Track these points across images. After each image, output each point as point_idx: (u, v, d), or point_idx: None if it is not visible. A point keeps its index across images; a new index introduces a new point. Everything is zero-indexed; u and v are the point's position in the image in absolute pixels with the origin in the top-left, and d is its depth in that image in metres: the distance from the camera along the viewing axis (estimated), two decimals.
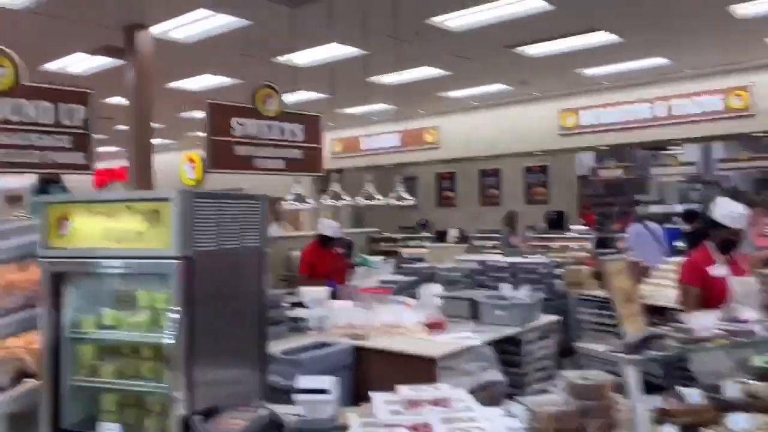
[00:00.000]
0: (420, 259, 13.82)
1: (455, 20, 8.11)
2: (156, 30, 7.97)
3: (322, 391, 2.96)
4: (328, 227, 6.75)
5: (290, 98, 10.21)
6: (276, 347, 3.85)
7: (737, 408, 2.86)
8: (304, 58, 9.75)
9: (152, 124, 9.02)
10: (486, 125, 13.95)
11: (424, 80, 11.04)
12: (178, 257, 2.55)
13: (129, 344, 2.87)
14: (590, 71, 11.02)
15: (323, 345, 4.69)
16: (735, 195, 16.61)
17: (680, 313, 4.09)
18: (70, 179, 16.69)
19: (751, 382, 3.19)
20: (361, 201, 6.77)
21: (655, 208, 12.88)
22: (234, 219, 2.84)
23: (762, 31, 8.97)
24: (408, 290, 6.69)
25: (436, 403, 2.74)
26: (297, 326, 5.10)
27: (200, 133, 16.83)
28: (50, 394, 2.77)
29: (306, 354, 4.41)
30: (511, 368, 5.06)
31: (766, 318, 3.60)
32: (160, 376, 2.76)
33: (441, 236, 15.42)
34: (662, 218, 12.61)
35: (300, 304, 5.47)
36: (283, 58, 9.78)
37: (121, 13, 7.44)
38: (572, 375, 2.72)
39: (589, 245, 12.80)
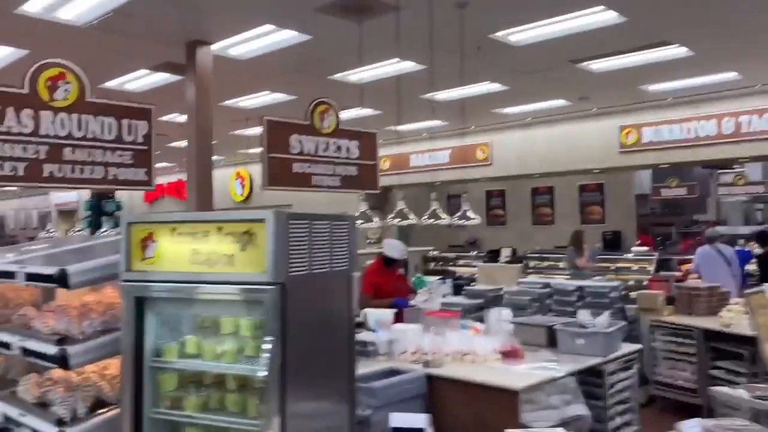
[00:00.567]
0: (472, 279, 13.57)
1: (518, 35, 7.87)
2: (215, 47, 7.93)
3: (415, 431, 2.74)
4: (395, 248, 6.52)
5: (343, 115, 10.10)
6: None
7: None
8: (361, 75, 9.62)
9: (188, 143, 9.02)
10: (541, 142, 13.62)
11: (480, 96, 10.80)
12: (273, 283, 2.36)
13: (214, 375, 2.69)
14: (655, 87, 10.64)
15: (394, 372, 4.47)
16: None
17: None
18: (120, 194, 16.91)
19: None
20: (426, 220, 6.54)
21: (719, 230, 12.31)
22: (324, 241, 2.64)
23: None
24: (473, 313, 6.41)
25: None
26: (365, 351, 4.86)
27: (250, 150, 16.95)
28: (131, 427, 2.59)
29: (378, 383, 4.18)
30: (592, 401, 4.76)
31: None
32: (247, 409, 2.56)
33: (493, 255, 15.06)
34: (727, 240, 12.05)
35: (361, 325, 5.26)
36: (338, 75, 9.67)
37: (185, 29, 7.40)
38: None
39: (649, 267, 12.34)
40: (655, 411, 7.24)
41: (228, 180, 19.90)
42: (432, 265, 15.67)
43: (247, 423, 2.48)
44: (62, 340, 2.76)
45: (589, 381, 4.84)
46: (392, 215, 6.77)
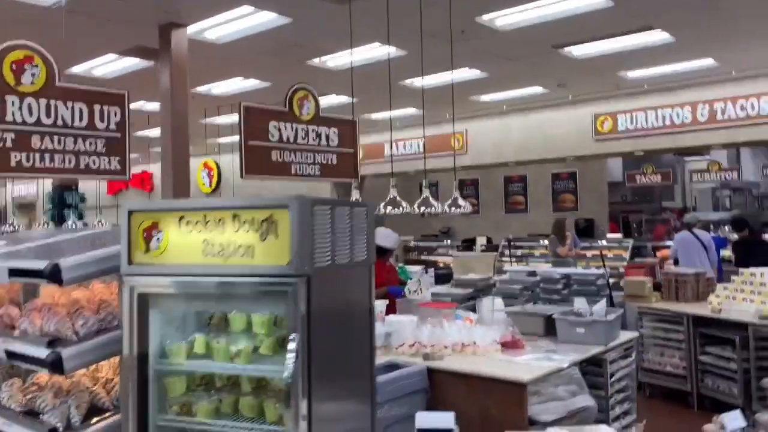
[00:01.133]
0: (448, 268, 13.46)
1: (504, 18, 7.72)
2: (191, 30, 7.58)
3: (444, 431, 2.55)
4: (388, 237, 6.31)
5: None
6: None
7: None
8: (339, 60, 9.37)
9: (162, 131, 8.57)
10: (516, 130, 13.54)
11: (459, 83, 10.62)
12: (299, 275, 2.13)
13: (226, 377, 2.46)
14: (633, 74, 10.61)
15: (393, 366, 4.28)
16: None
17: None
18: (82, 186, 16.28)
19: None
20: (418, 209, 6.37)
21: (697, 215, 12.40)
22: (346, 229, 2.42)
23: None
24: (463, 303, 6.25)
25: None
26: None
27: (220, 140, 16.52)
28: None
29: (380, 378, 3.97)
30: (594, 390, 4.64)
31: None
32: (265, 413, 2.34)
33: (469, 244, 14.99)
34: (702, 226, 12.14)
35: None
36: (317, 61, 9.40)
37: (158, 11, 7.04)
38: None
39: (624, 254, 12.37)
40: (643, 398, 7.19)
41: (195, 171, 19.40)
42: (409, 255, 15.54)
43: (266, 429, 2.26)
44: (54, 341, 2.49)
45: (589, 370, 4.72)
46: (384, 203, 6.54)
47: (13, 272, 2.60)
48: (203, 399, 2.37)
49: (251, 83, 10.61)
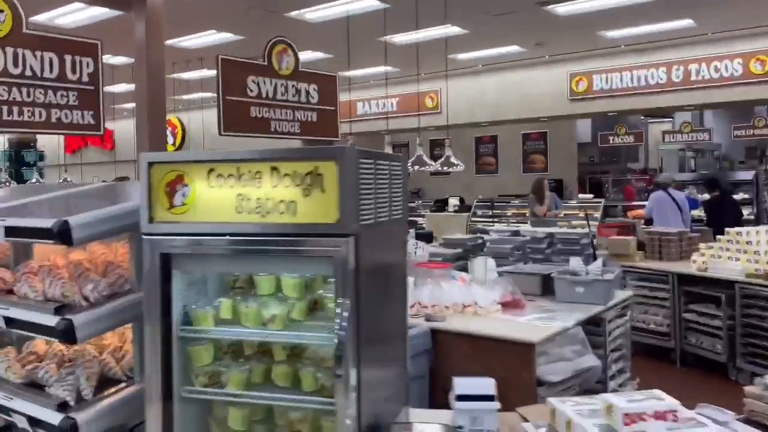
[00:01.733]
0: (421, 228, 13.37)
1: None
2: None
3: (485, 398, 2.43)
4: None
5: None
6: None
7: None
8: (317, 13, 9.01)
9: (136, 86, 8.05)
10: (491, 90, 13.39)
11: (437, 40, 10.38)
12: (346, 234, 1.95)
13: (256, 344, 2.27)
14: (612, 33, 10.51)
15: None
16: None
17: None
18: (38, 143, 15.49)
19: None
20: (413, 167, 6.20)
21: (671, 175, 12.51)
22: (385, 184, 2.24)
23: None
24: (453, 263, 6.13)
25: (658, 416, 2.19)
26: None
27: (186, 96, 15.96)
28: (161, 408, 2.15)
29: None
30: (593, 350, 4.61)
31: None
32: (301, 383, 2.17)
33: (441, 205, 14.91)
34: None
35: None
36: (295, 13, 9.02)
37: None
38: None
39: (596, 214, 12.44)
40: None
41: None
42: None
43: (304, 399, 2.09)
44: (62, 308, 2.26)
45: (588, 330, 4.68)
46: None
47: (12, 231, 2.35)
48: (233, 368, 2.18)
49: (224, 36, 10.17)
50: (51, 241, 2.19)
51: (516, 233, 7.23)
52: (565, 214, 12.58)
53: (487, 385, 2.44)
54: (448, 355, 4.22)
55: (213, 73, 12.55)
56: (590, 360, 4.37)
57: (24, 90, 5.81)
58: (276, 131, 7.91)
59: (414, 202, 15.96)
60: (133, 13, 6.96)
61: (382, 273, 2.23)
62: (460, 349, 4.17)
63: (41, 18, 8.60)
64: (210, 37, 10.25)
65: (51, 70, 5.98)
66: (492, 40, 10.85)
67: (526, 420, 2.43)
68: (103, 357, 2.53)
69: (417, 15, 8.63)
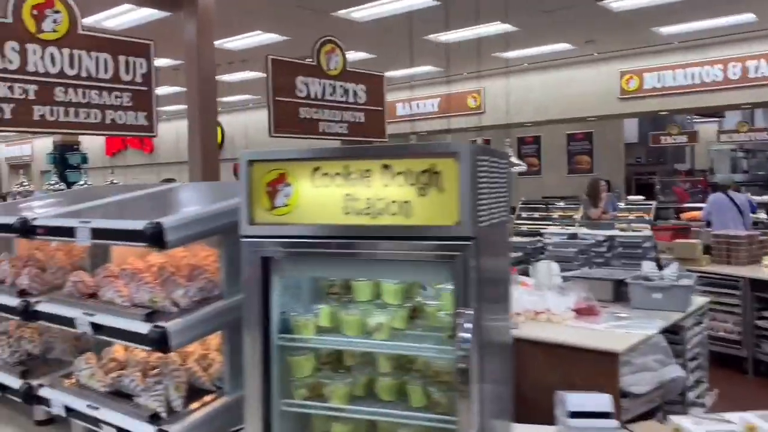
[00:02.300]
0: None
1: None
2: None
3: (601, 415, 2.24)
4: None
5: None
6: None
7: None
8: (365, 12, 8.89)
9: (178, 89, 7.85)
10: (536, 88, 13.11)
11: (481, 39, 10.17)
12: (467, 237, 1.78)
13: (359, 355, 2.12)
14: (668, 29, 10.19)
15: None
16: None
17: None
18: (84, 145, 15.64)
19: None
20: None
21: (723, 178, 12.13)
22: (495, 184, 2.07)
23: None
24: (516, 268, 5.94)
25: None
26: None
27: (226, 99, 15.97)
28: (261, 422, 2.01)
29: None
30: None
31: None
32: (410, 397, 2.01)
33: None
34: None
35: None
36: (342, 12, 8.90)
37: None
38: None
39: (647, 216, 12.10)
40: None
41: None
42: None
43: (416, 416, 1.93)
44: (152, 314, 2.14)
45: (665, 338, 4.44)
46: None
47: (99, 234, 2.23)
48: (336, 380, 2.03)
49: (270, 37, 10.10)
50: (143, 244, 2.06)
51: (574, 236, 6.99)
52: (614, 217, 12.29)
53: (602, 401, 2.25)
54: (523, 365, 4.01)
55: (255, 74, 12.57)
56: (675, 370, 4.14)
57: (80, 91, 5.77)
58: (324, 132, 7.81)
59: None
60: (183, 13, 6.90)
61: (494, 279, 2.06)
62: (534, 358, 3.97)
63: (87, 21, 8.60)
64: (254, 38, 10.19)
65: (106, 71, 5.94)
66: (542, 38, 10.61)
67: None
68: (189, 366, 2.40)
69: (468, 12, 8.45)
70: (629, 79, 11.94)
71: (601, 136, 15.32)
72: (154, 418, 2.14)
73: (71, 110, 5.72)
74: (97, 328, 2.26)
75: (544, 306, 4.43)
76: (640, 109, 12.16)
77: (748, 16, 9.60)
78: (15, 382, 2.63)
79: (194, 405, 2.23)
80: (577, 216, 11.24)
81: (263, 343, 2.01)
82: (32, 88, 5.47)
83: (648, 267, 5.19)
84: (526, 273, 5.44)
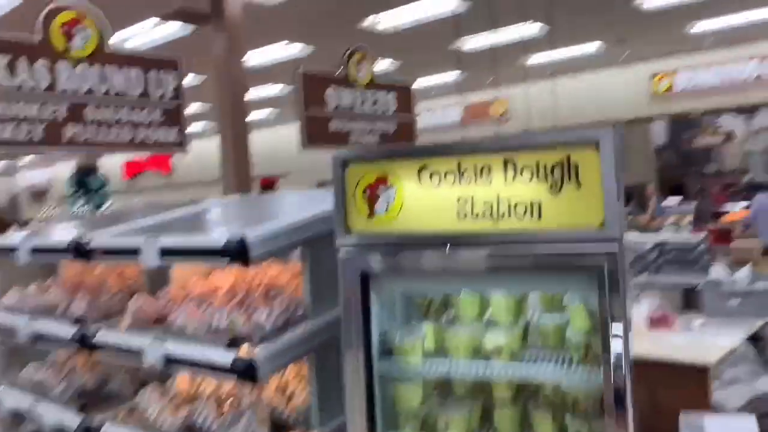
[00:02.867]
0: None
1: None
2: None
3: None
4: None
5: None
6: None
7: None
8: (391, 20, 8.69)
9: (200, 104, 7.63)
10: (564, 93, 12.82)
11: (508, 45, 9.94)
12: (613, 240, 1.52)
13: (470, 382, 1.86)
14: (701, 26, 9.89)
15: None
16: None
17: None
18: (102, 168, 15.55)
19: None
20: None
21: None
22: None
23: None
24: None
25: None
26: None
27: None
28: None
29: None
30: None
31: None
32: (531, 429, 1.74)
33: None
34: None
35: None
36: (367, 22, 8.71)
37: None
38: None
39: (685, 220, 11.72)
40: None
41: (213, 150, 18.70)
42: None
43: None
44: (235, 341, 1.89)
45: None
46: None
47: (169, 252, 1.99)
48: (451, 411, 1.76)
49: (295, 48, 9.90)
50: (223, 262, 1.81)
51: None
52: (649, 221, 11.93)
53: (748, 425, 1.97)
54: None
55: (275, 88, 12.42)
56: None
57: (111, 109, 5.58)
58: (356, 143, 7.60)
59: None
60: (211, 27, 6.71)
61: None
62: None
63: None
64: (277, 53, 10.01)
65: (136, 88, 5.74)
66: (571, 39, 10.33)
67: None
68: (269, 397, 2.14)
69: (496, 14, 8.21)
70: (660, 79, 11.64)
71: (630, 139, 14.97)
72: None
73: (102, 129, 5.52)
74: (169, 359, 2.01)
75: None
76: (671, 110, 11.86)
77: None
78: (72, 419, 2.39)
79: None
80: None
81: (366, 370, 1.75)
82: (63, 107, 5.29)
83: (718, 272, 4.89)
84: None
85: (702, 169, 16.40)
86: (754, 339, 4.19)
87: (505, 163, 1.61)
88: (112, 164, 19.64)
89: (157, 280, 2.56)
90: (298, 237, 1.94)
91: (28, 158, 21.40)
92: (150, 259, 2.05)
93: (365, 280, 1.76)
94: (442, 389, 1.90)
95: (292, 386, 2.20)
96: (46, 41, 5.21)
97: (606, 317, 1.54)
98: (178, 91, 6.04)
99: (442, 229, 1.68)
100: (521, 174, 1.59)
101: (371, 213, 1.74)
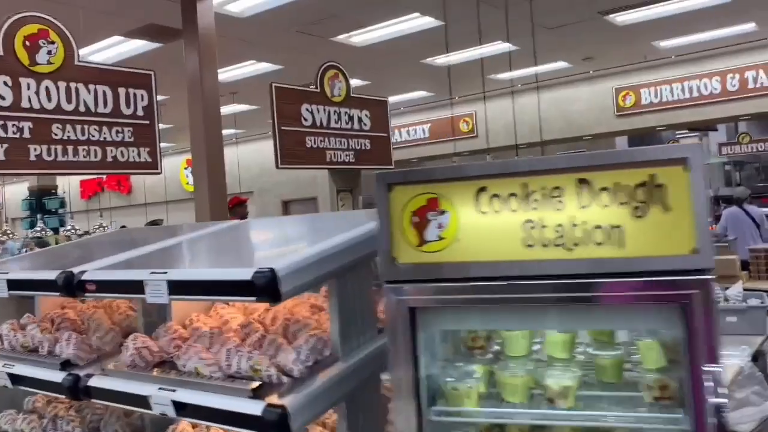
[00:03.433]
0: None
1: None
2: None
3: None
4: None
5: None
6: None
7: None
8: (367, 36, 8.56)
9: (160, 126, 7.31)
10: (530, 109, 12.82)
11: (485, 58, 9.89)
12: (705, 270, 1.36)
13: (528, 428, 1.66)
14: (666, 43, 10.05)
15: None
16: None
17: None
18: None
19: None
20: None
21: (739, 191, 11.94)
22: None
23: None
24: None
25: None
26: None
27: None
28: None
29: None
30: None
31: None
32: None
33: None
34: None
35: None
36: (342, 37, 8.55)
37: None
38: None
39: None
40: None
41: (178, 169, 18.28)
42: None
43: None
44: (261, 388, 1.66)
45: None
46: None
47: (182, 287, 1.75)
48: None
49: (263, 67, 9.68)
50: (249, 299, 1.59)
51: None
52: None
53: None
54: None
55: (243, 107, 12.14)
56: None
57: (78, 127, 5.28)
58: (331, 161, 7.42)
59: None
60: (183, 42, 6.44)
61: None
62: None
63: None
64: (246, 69, 9.76)
65: (105, 105, 5.46)
66: (540, 56, 10.34)
67: None
68: None
69: (468, 32, 8.16)
70: (626, 96, 11.77)
71: None
72: None
73: (70, 148, 5.22)
74: (181, 408, 1.77)
75: None
76: (637, 126, 11.98)
77: (749, 26, 9.50)
78: None
79: None
80: None
81: (418, 422, 1.54)
82: (27, 125, 4.96)
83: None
84: None
85: None
86: (755, 358, 4.11)
87: (580, 183, 1.43)
88: (69, 184, 18.99)
89: (156, 314, 2.31)
90: (329, 268, 1.72)
91: None
92: (156, 295, 1.81)
93: (412, 317, 1.55)
94: None
95: None
96: (8, 55, 4.90)
97: (696, 354, 1.37)
98: (150, 107, 5.78)
99: (505, 259, 1.49)
100: (599, 196, 1.42)
101: (421, 241, 1.54)
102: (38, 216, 11.78)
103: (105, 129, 5.45)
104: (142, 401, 1.85)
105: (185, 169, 18.20)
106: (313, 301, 2.14)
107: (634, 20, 8.63)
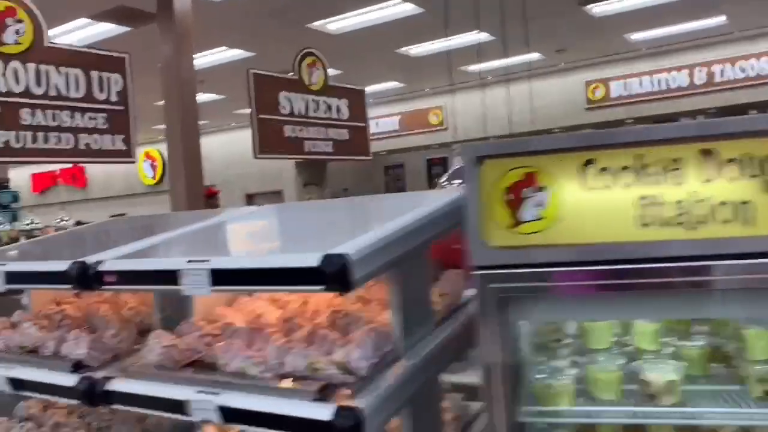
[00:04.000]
0: None
1: None
2: None
3: None
4: None
5: None
6: None
7: None
8: (344, 23, 8.34)
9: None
10: (501, 102, 12.78)
11: (457, 50, 9.79)
12: None
13: (626, 428, 1.51)
14: (638, 35, 10.09)
15: None
16: None
17: None
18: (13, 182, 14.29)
19: None
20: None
21: None
22: None
23: None
24: None
25: None
26: None
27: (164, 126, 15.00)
28: None
29: None
30: None
31: None
32: None
33: None
34: None
35: None
36: (318, 24, 8.31)
37: None
38: None
39: None
40: None
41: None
42: None
43: None
44: (326, 388, 1.46)
45: None
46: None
47: (228, 276, 1.54)
48: None
49: (234, 53, 9.36)
50: (316, 287, 1.39)
51: None
52: None
53: None
54: None
55: (208, 97, 11.76)
56: None
57: (49, 113, 4.93)
58: (310, 152, 7.19)
59: None
60: (157, 27, 6.12)
61: None
62: None
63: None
64: (216, 56, 9.43)
65: (77, 89, 5.11)
66: (515, 48, 10.28)
67: None
68: None
69: (439, 22, 8.01)
70: (595, 88, 11.83)
71: None
72: None
73: (40, 135, 4.86)
74: (228, 414, 1.55)
75: None
76: (606, 118, 12.05)
77: (719, 19, 9.60)
78: None
79: None
80: None
81: (510, 426, 1.37)
82: None
83: None
84: None
85: None
86: None
87: (704, 154, 1.28)
88: (20, 177, 18.20)
89: (174, 308, 2.08)
90: (395, 253, 1.53)
91: None
92: (196, 286, 1.59)
93: (504, 308, 1.38)
94: None
95: None
96: None
97: None
98: (124, 92, 5.46)
99: (614, 240, 1.32)
100: (726, 168, 1.27)
101: (516, 221, 1.37)
102: None
103: (77, 115, 5.11)
104: (178, 406, 1.63)
105: (144, 161, 17.65)
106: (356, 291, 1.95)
107: (611, 11, 8.62)
